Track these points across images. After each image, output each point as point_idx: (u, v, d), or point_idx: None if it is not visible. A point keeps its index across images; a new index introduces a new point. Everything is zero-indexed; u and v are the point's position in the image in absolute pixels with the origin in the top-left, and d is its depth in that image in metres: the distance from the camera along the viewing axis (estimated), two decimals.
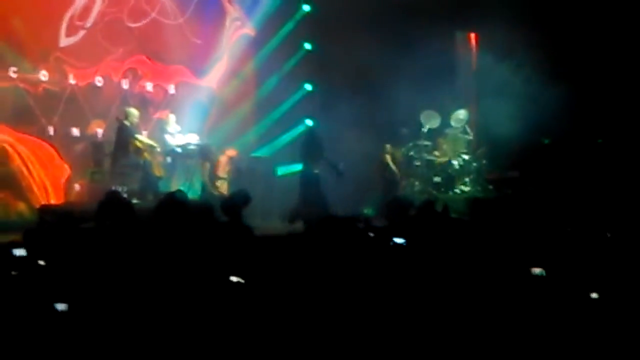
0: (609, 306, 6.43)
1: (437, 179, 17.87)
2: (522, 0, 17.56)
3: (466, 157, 18.19)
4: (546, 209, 12.39)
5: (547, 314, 6.16)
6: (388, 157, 17.70)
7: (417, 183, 18.14)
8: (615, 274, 7.08)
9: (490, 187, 17.95)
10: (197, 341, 5.52)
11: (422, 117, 18.32)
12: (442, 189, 17.79)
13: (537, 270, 7.12)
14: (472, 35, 20.60)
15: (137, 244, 6.88)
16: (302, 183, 14.97)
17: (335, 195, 14.80)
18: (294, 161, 16.64)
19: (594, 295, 6.61)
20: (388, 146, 17.78)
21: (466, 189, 18.00)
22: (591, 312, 6.37)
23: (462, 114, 18.70)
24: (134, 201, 14.27)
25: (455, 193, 17.76)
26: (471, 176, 18.24)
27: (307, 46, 18.94)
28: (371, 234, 8.60)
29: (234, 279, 6.34)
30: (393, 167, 17.66)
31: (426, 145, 18.17)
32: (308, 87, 19.03)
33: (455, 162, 17.98)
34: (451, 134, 18.48)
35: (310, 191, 14.71)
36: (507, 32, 17.01)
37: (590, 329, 6.02)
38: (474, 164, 18.31)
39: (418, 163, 18.11)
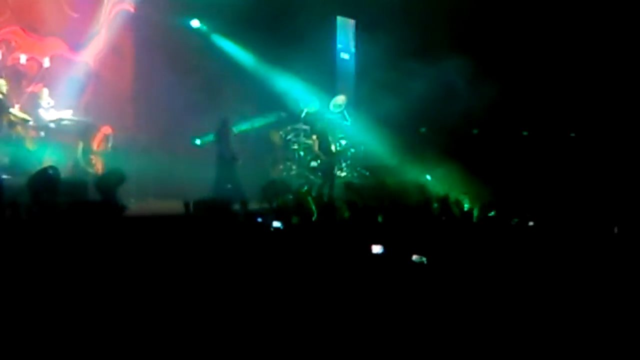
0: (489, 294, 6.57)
1: (314, 164, 17.85)
2: None
3: (344, 142, 18.32)
4: (424, 197, 12.65)
5: (428, 301, 6.26)
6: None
7: (294, 167, 18.16)
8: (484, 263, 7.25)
9: (367, 173, 18.13)
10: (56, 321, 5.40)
11: (301, 101, 18.37)
12: (319, 174, 17.81)
13: (417, 257, 7.23)
14: (352, 21, 20.75)
15: (5, 219, 6.69)
16: (217, 165, 16.00)
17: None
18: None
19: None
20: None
21: (343, 174, 18.12)
22: (469, 300, 6.48)
23: (341, 99, 18.81)
24: (4, 176, 13.87)
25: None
26: (348, 161, 18.38)
27: (195, 24, 18.72)
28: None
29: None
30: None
31: (304, 129, 18.20)
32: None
33: (332, 147, 18.05)
34: (330, 118, 18.56)
35: (224, 173, 15.85)
36: (386, 19, 17.24)
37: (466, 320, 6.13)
38: (352, 150, 18.46)
39: (296, 147, 18.14)
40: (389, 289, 6.43)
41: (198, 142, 18.35)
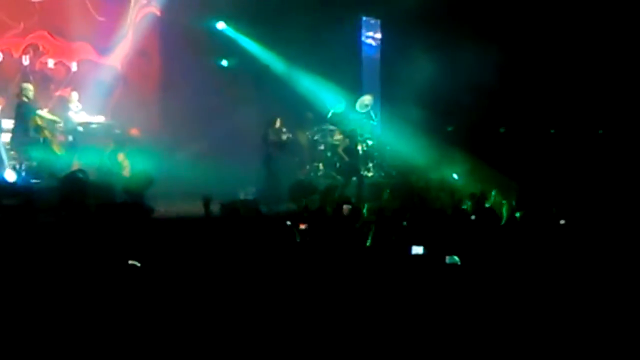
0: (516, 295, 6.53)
1: (340, 164, 17.72)
2: None
3: (370, 142, 18.25)
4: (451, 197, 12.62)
5: (461, 302, 6.24)
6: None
7: (321, 167, 18.12)
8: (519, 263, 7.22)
9: (394, 172, 18.06)
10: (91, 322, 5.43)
11: (328, 102, 18.35)
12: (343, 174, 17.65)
13: (450, 258, 7.20)
14: (377, 21, 20.74)
15: (36, 223, 6.73)
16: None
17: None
18: None
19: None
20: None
21: (369, 174, 18.04)
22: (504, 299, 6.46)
23: (367, 99, 18.75)
24: (33, 180, 13.97)
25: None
26: (375, 161, 18.31)
27: (221, 26, 18.80)
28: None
29: (131, 262, 6.26)
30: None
31: (331, 130, 18.15)
32: (224, 62, 18.97)
33: (359, 147, 17.95)
34: (356, 119, 18.50)
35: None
36: (411, 19, 17.20)
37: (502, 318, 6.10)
38: (379, 149, 18.40)
39: (322, 147, 18.09)
40: (428, 289, 6.43)
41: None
